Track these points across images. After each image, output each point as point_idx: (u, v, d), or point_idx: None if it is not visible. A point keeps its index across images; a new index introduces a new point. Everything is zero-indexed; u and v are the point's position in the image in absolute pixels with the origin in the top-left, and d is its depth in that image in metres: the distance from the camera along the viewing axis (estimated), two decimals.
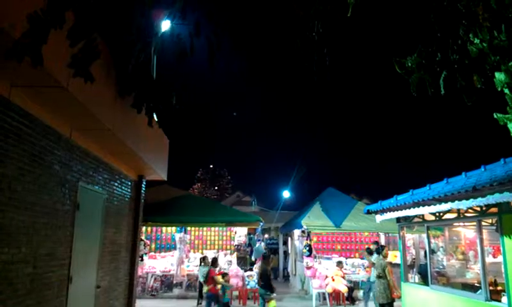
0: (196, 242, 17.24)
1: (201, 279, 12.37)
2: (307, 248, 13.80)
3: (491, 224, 7.82)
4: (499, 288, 7.45)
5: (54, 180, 5.16)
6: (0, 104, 4.04)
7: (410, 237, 14.43)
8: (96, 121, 5.33)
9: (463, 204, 7.02)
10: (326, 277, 12.82)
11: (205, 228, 16.96)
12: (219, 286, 9.93)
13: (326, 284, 12.65)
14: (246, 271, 13.45)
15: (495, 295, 7.06)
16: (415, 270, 11.78)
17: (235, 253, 16.25)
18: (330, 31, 3.91)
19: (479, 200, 6.57)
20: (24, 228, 4.47)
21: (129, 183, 8.67)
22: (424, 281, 9.43)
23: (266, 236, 25.21)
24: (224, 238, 17.41)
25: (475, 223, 7.65)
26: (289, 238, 20.01)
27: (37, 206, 4.74)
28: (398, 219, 10.30)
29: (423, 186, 8.93)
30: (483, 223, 7.55)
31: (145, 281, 13.50)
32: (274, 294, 9.22)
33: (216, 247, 17.16)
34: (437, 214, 8.69)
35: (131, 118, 6.40)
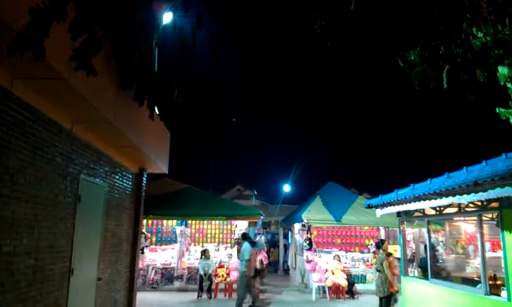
0: (197, 235, 17.30)
1: (201, 272, 12.46)
2: (307, 242, 13.85)
3: (492, 219, 7.83)
4: (498, 282, 7.48)
5: (55, 172, 5.17)
6: (2, 96, 4.04)
7: (410, 231, 14.47)
8: (98, 114, 5.33)
9: (463, 199, 7.02)
10: (326, 270, 12.88)
11: (205, 221, 17.02)
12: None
13: (326, 278, 12.71)
14: None
15: (494, 290, 7.08)
16: (414, 264, 11.81)
17: (236, 246, 16.31)
18: (333, 24, 3.89)
19: (480, 195, 6.57)
20: (25, 219, 4.48)
21: (130, 176, 8.68)
22: (424, 275, 9.46)
23: (266, 229, 25.27)
24: (225, 231, 17.47)
25: (475, 218, 7.66)
26: (289, 232, 20.07)
27: (38, 198, 4.76)
28: (398, 213, 10.31)
29: (424, 180, 8.94)
30: (484, 218, 7.56)
31: (146, 273, 13.56)
32: None
33: (217, 240, 17.23)
34: (438, 209, 8.70)
35: (132, 111, 6.40)
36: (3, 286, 4.11)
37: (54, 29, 3.21)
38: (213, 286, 12.54)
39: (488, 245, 9.11)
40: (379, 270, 8.86)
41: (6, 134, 4.10)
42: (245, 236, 11.07)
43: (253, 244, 10.85)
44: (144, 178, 9.41)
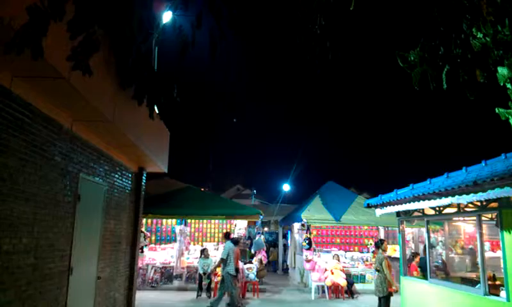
0: (196, 234, 17.31)
1: (200, 271, 12.46)
2: (307, 241, 13.86)
3: (491, 219, 7.84)
4: (498, 282, 7.49)
5: (55, 171, 5.17)
6: (2, 95, 4.03)
7: (410, 231, 14.49)
8: (97, 113, 5.33)
9: (463, 199, 7.03)
10: (325, 270, 12.89)
11: (205, 221, 17.02)
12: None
13: (325, 278, 12.72)
14: (245, 263, 13.51)
15: (493, 290, 7.09)
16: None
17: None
18: (333, 24, 3.89)
19: (480, 195, 6.58)
20: (25, 218, 4.48)
21: (130, 175, 8.68)
22: (423, 274, 9.47)
23: (266, 229, 25.31)
24: (224, 230, 17.46)
25: (475, 218, 7.66)
26: (289, 231, 20.08)
27: (38, 197, 4.75)
28: (398, 213, 10.32)
29: (423, 180, 8.94)
30: (483, 218, 7.57)
31: (145, 272, 13.57)
32: None
33: (216, 239, 17.24)
34: (437, 208, 8.71)
35: (132, 110, 6.39)
36: (3, 285, 4.11)
37: (54, 27, 3.21)
38: (212, 285, 12.55)
39: (487, 245, 9.13)
40: (378, 270, 8.87)
41: (5, 133, 4.10)
42: (228, 236, 11.13)
43: (236, 242, 11.00)
44: (143, 177, 9.42)
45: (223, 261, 10.35)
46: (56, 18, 3.06)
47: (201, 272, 12.47)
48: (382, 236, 15.44)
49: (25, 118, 4.46)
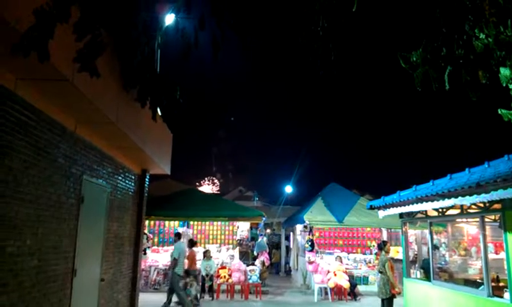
0: (199, 236, 17.32)
1: (203, 273, 12.45)
2: (309, 243, 13.85)
3: (495, 220, 7.82)
4: (501, 284, 7.46)
5: (58, 173, 5.19)
6: (6, 97, 4.05)
7: (412, 233, 14.45)
8: (101, 115, 5.35)
9: (466, 200, 7.01)
10: (328, 272, 12.86)
11: (207, 223, 17.03)
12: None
13: (328, 279, 12.69)
14: (248, 265, 13.51)
15: (497, 291, 7.07)
16: (416, 265, 11.80)
17: (238, 248, 16.33)
18: (335, 25, 3.90)
19: (483, 196, 6.57)
20: (29, 220, 4.49)
21: (133, 177, 8.70)
22: (426, 276, 9.44)
23: (268, 230, 25.31)
24: (227, 232, 17.49)
25: (478, 219, 7.65)
26: (291, 233, 20.07)
27: (42, 199, 4.77)
28: (401, 215, 10.30)
29: (426, 182, 8.93)
30: (486, 219, 7.55)
31: (148, 274, 13.57)
32: None
33: (219, 241, 17.24)
34: (440, 210, 8.69)
35: (135, 112, 6.42)
36: (7, 287, 4.12)
37: (58, 30, 3.23)
38: (215, 287, 12.54)
39: (490, 246, 9.09)
40: (381, 272, 8.85)
41: (10, 135, 4.11)
42: (178, 236, 11.24)
43: (194, 244, 11.46)
44: (146, 179, 9.43)
45: (176, 261, 10.52)
46: (62, 21, 3.08)
47: (203, 273, 12.46)
48: (385, 237, 15.41)
49: (29, 120, 4.48)
